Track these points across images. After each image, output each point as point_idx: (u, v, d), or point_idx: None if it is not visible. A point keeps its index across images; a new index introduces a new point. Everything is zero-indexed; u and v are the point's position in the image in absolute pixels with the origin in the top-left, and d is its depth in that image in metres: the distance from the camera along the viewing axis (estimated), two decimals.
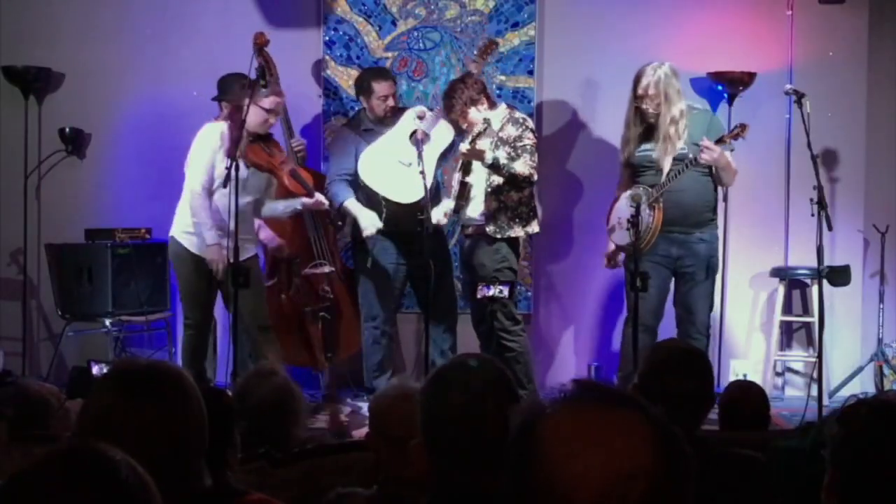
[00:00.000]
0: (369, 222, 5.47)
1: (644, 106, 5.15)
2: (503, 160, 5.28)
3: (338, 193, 5.56)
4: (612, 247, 5.41)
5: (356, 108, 6.10)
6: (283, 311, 5.85)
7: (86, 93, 6.48)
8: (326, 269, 5.81)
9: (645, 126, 5.22)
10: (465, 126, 5.42)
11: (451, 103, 5.37)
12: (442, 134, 5.54)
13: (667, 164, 5.12)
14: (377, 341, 5.71)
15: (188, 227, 5.27)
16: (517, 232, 5.42)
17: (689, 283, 5.26)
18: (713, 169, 5.17)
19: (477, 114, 5.38)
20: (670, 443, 1.14)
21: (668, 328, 5.39)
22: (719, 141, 5.02)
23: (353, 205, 5.53)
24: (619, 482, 1.09)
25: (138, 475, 1.27)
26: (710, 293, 5.32)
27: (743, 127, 5.03)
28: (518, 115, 5.51)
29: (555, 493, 1.10)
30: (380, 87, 5.64)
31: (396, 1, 6.37)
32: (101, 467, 1.24)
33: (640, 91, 5.14)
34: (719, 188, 5.37)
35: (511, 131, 5.37)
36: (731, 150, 5.17)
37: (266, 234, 5.84)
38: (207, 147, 5.18)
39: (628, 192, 5.18)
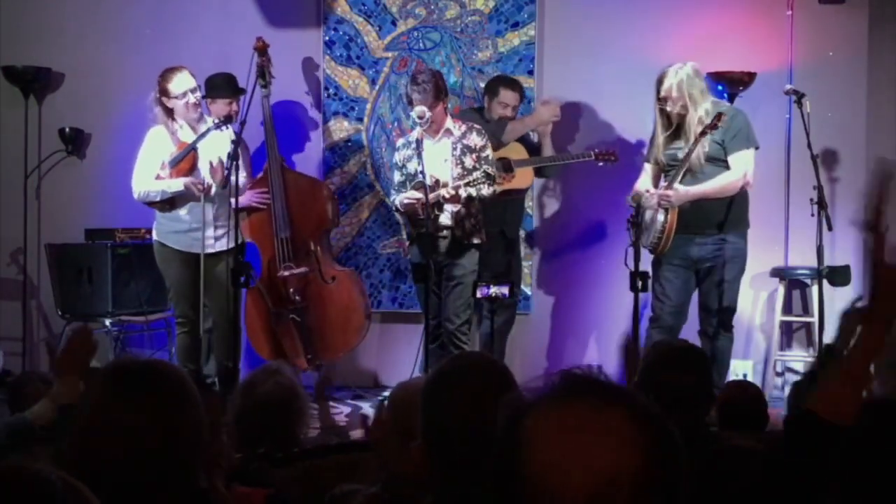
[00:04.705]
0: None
1: (668, 108, 5.11)
2: (475, 193, 5.34)
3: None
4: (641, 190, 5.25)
5: (355, 108, 6.09)
6: (257, 313, 5.82)
7: (86, 93, 6.48)
8: (299, 270, 5.76)
9: (673, 127, 5.18)
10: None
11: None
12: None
13: (699, 163, 5.10)
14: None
15: (170, 229, 5.45)
16: (481, 238, 5.49)
17: (709, 284, 5.25)
18: None
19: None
20: (660, 440, 1.11)
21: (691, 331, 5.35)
22: (702, 134, 5.01)
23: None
24: (601, 488, 1.07)
25: (77, 495, 1.20)
26: (731, 293, 5.27)
27: (719, 116, 5.03)
28: (474, 125, 5.56)
29: (541, 499, 1.08)
30: (505, 95, 5.82)
31: (396, 1, 6.37)
32: (35, 488, 1.18)
33: (662, 94, 5.10)
34: (748, 190, 5.28)
35: (476, 140, 5.42)
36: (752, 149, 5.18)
37: None
38: (156, 152, 5.41)
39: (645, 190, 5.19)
